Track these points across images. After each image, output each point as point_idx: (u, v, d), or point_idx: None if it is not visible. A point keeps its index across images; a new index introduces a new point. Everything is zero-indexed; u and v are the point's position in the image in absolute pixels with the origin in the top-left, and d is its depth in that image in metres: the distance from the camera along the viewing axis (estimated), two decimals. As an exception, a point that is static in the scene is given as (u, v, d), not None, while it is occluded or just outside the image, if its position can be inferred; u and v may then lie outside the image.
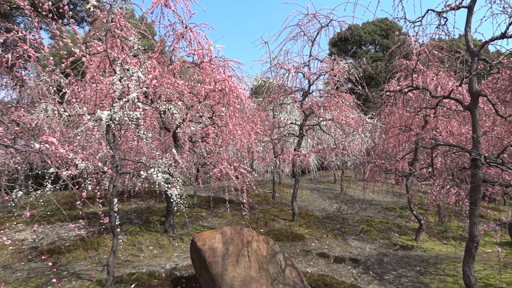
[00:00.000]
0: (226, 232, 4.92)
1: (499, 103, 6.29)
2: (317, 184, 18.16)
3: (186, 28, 7.77)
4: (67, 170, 4.13)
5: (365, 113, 14.57)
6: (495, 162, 3.89)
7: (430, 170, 6.06)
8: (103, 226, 8.08)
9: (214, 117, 7.04)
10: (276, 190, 13.96)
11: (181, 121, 7.11)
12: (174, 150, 5.50)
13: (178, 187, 4.94)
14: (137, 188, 5.25)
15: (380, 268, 7.19)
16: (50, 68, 5.17)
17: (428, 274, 6.87)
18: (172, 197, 4.74)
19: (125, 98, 4.38)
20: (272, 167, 12.52)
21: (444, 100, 8.02)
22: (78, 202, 3.82)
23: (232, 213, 10.32)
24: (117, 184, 4.87)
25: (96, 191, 8.76)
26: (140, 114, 4.56)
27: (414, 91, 8.84)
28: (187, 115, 6.52)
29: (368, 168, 9.46)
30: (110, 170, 4.27)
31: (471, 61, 4.07)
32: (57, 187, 4.26)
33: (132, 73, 4.54)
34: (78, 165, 4.26)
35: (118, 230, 4.71)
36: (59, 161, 3.68)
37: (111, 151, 4.95)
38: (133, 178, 5.05)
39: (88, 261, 6.40)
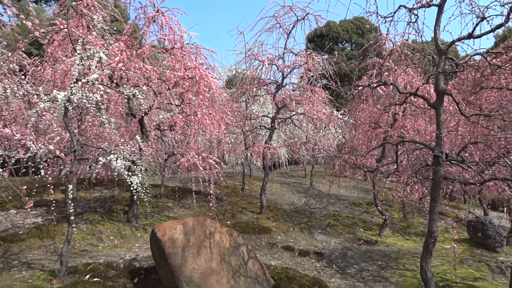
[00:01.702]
0: (188, 223, 4.79)
1: (464, 104, 6.46)
2: (288, 178, 18.25)
3: (157, 12, 7.48)
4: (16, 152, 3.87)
5: (338, 109, 14.69)
6: (455, 160, 3.96)
7: (395, 166, 6.15)
8: (62, 214, 7.73)
9: (182, 105, 6.82)
10: (246, 182, 13.88)
11: (148, 108, 6.87)
12: (138, 137, 5.27)
13: (139, 175, 4.75)
14: (95, 175, 4.99)
15: (343, 262, 7.27)
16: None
17: (389, 268, 7.01)
18: (133, 185, 4.55)
19: (84, 79, 4.13)
20: (243, 159, 12.41)
21: (412, 98, 8.17)
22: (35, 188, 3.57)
23: (200, 204, 10.17)
24: (74, 170, 4.62)
25: (57, 177, 8.39)
26: (100, 97, 4.32)
27: (384, 89, 8.98)
28: (154, 101, 6.28)
29: (337, 163, 9.55)
30: (62, 154, 4.02)
31: (438, 60, 4.11)
32: (6, 170, 3.97)
33: (94, 53, 4.28)
34: (31, 148, 3.99)
35: (73, 218, 4.47)
36: (5, 143, 3.42)
37: (69, 135, 4.69)
38: (92, 165, 4.80)
39: (42, 250, 6.09)
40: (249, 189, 13.86)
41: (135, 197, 7.43)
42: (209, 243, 4.81)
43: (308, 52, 9.86)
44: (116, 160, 4.34)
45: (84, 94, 4.22)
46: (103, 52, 4.45)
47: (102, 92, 4.30)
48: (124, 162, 4.42)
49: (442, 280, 6.45)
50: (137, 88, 4.87)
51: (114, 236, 7.14)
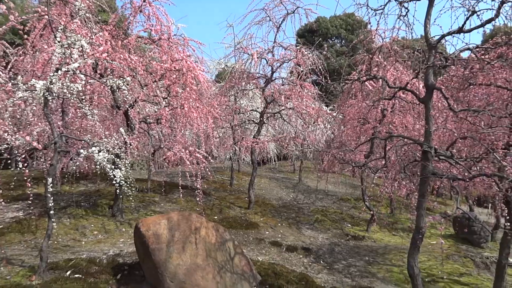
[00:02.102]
0: (173, 217, 4.67)
1: (452, 101, 6.45)
2: (276, 173, 18.21)
3: (144, 1, 7.29)
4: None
5: (327, 105, 14.67)
6: (444, 155, 3.93)
7: (383, 162, 6.12)
8: (45, 208, 7.52)
9: (169, 98, 6.67)
10: (235, 177, 13.79)
11: (134, 100, 6.70)
12: (122, 130, 5.12)
13: (123, 168, 4.61)
14: (77, 168, 4.85)
15: (331, 258, 7.25)
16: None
17: (376, 264, 7.02)
18: (116, 178, 4.41)
19: (65, 68, 3.96)
20: (232, 154, 12.30)
21: (401, 94, 8.16)
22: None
23: (187, 199, 10.03)
24: (54, 163, 4.46)
25: (41, 170, 8.14)
26: (83, 87, 4.16)
27: (374, 84, 8.95)
28: (140, 94, 6.12)
29: (326, 158, 9.51)
30: (40, 145, 3.86)
31: (428, 53, 4.06)
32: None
33: (75, 41, 4.11)
34: (8, 140, 3.83)
35: (52, 212, 4.32)
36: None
37: (49, 126, 4.52)
38: (73, 157, 4.64)
39: (23, 245, 5.91)
40: (238, 184, 13.77)
41: (119, 191, 7.28)
42: (195, 239, 4.71)
43: (297, 46, 9.77)
44: (99, 152, 4.19)
45: (64, 84, 4.05)
46: (85, 40, 4.27)
47: (83, 82, 4.14)
48: (107, 155, 4.28)
49: (428, 275, 6.48)
50: (122, 79, 4.71)
51: (98, 231, 6.98)
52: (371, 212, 9.48)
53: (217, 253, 4.90)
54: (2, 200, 4.41)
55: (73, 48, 4.22)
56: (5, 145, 3.76)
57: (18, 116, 5.12)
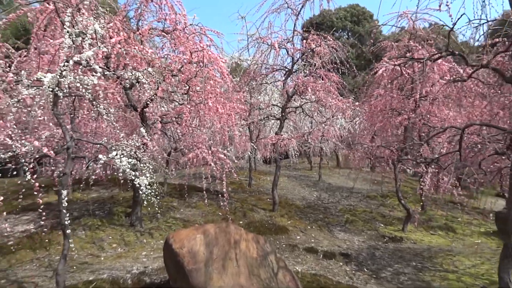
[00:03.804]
0: (209, 230, 3.99)
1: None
2: (293, 171, 17.46)
3: (156, -12, 6.61)
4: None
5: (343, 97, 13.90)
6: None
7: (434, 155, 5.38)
8: (57, 219, 6.89)
9: (190, 93, 5.97)
10: (253, 177, 13.09)
11: (150, 97, 6.01)
12: (142, 129, 4.45)
13: (148, 175, 3.93)
14: (94, 176, 4.25)
15: (374, 264, 6.53)
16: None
17: (426, 270, 6.28)
18: (141, 188, 3.73)
19: (76, 57, 3.28)
20: (249, 153, 11.61)
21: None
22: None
23: (208, 202, 9.33)
24: (68, 171, 3.79)
25: (50, 177, 7.51)
26: (97, 80, 3.47)
27: (408, 71, 8.16)
28: (157, 89, 5.43)
29: (357, 154, 8.79)
30: (52, 152, 3.19)
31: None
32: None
33: (87, 25, 3.43)
34: (13, 146, 3.16)
35: (69, 231, 3.65)
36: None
37: (60, 129, 3.85)
38: (90, 164, 3.97)
39: (35, 264, 5.27)
40: (256, 184, 13.07)
41: (139, 198, 6.61)
42: (235, 254, 4.02)
43: (317, 34, 9.02)
44: (120, 158, 3.51)
45: (76, 78, 3.37)
46: (98, 24, 3.59)
47: (98, 75, 3.46)
48: (130, 160, 3.60)
49: (491, 283, 5.74)
50: (141, 71, 4.03)
51: (117, 243, 6.32)
52: (408, 211, 8.74)
53: (260, 269, 4.21)
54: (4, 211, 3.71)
55: (85, 35, 3.53)
56: (9, 153, 3.08)
57: (23, 118, 4.46)
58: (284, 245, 7.10)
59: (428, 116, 7.94)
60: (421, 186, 7.56)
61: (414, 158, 5.67)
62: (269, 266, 4.38)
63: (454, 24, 3.49)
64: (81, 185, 6.16)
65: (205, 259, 3.73)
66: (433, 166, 5.32)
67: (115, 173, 10.30)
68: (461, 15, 3.38)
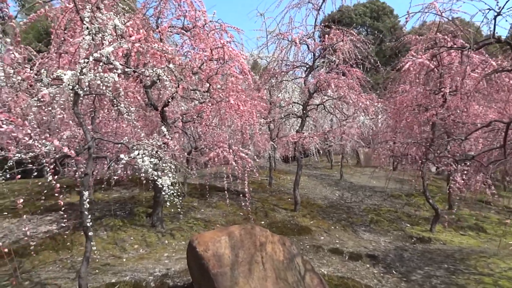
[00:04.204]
0: (234, 232, 3.82)
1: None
2: (313, 170, 17.19)
3: (174, -15, 6.51)
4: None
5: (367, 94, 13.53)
6: None
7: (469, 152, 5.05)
8: (80, 220, 6.88)
9: (212, 91, 5.83)
10: (272, 176, 12.90)
11: (171, 96, 5.91)
12: (164, 128, 4.33)
13: (170, 175, 3.80)
14: (115, 177, 4.17)
15: (403, 266, 6.25)
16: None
17: (460, 273, 5.95)
18: (164, 188, 3.60)
19: (97, 53, 3.17)
20: (270, 151, 11.42)
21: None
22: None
23: (228, 202, 9.21)
24: (89, 171, 3.70)
25: (72, 178, 7.53)
26: (119, 77, 3.36)
27: (435, 63, 7.80)
28: (178, 87, 5.30)
29: (383, 152, 8.47)
30: (73, 152, 3.08)
31: None
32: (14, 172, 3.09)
33: (107, 20, 3.32)
34: (33, 146, 3.07)
35: (91, 234, 3.55)
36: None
37: (81, 128, 3.76)
38: (111, 164, 3.87)
39: (58, 265, 5.23)
40: (276, 183, 12.88)
41: (163, 198, 6.52)
42: (261, 257, 3.85)
43: (339, 29, 8.75)
44: (143, 157, 3.39)
45: (97, 75, 3.26)
46: (118, 19, 3.47)
47: (119, 71, 3.34)
48: (153, 159, 3.47)
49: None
50: (163, 68, 3.90)
51: (138, 244, 6.25)
52: (436, 210, 8.38)
53: (287, 272, 4.02)
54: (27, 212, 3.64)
55: (105, 32, 3.41)
56: (30, 153, 3.00)
57: (44, 118, 4.41)
58: (308, 246, 6.89)
59: (459, 111, 7.56)
60: (452, 185, 7.21)
61: (451, 155, 5.34)
62: (296, 269, 4.20)
63: (501, 8, 3.21)
64: (103, 186, 6.11)
65: (231, 263, 3.57)
66: (468, 164, 5.00)
67: (136, 173, 10.32)
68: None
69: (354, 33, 8.51)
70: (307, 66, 9.23)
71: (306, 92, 9.15)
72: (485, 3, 3.30)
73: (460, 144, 7.08)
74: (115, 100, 3.70)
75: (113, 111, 5.97)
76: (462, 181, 6.64)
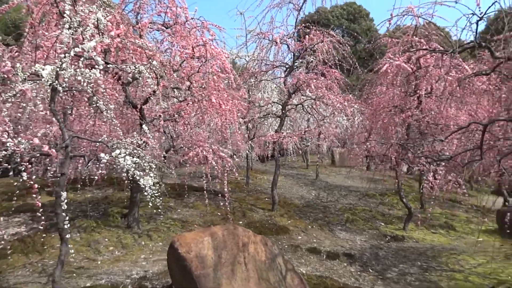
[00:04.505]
0: (217, 233, 3.78)
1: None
2: (290, 170, 17.30)
3: (154, -20, 6.36)
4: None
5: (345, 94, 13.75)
6: None
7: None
8: (51, 222, 6.60)
9: (193, 89, 5.74)
10: (249, 176, 12.88)
11: (151, 94, 5.77)
12: (144, 127, 4.22)
13: (152, 174, 3.71)
14: (97, 177, 4.01)
15: (379, 264, 6.39)
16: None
17: (432, 270, 6.16)
18: (146, 188, 3.50)
19: (78, 47, 3.04)
20: (247, 151, 11.39)
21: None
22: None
23: (205, 202, 9.11)
24: (66, 171, 3.55)
25: (41, 177, 7.21)
26: (99, 73, 3.24)
27: (412, 66, 8.02)
28: (159, 84, 5.19)
29: (360, 152, 8.63)
30: (53, 150, 2.95)
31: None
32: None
33: (88, 13, 3.19)
34: (8, 144, 2.91)
35: (68, 236, 3.41)
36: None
37: (58, 126, 3.61)
38: (89, 163, 3.73)
39: (28, 269, 5.00)
40: (253, 183, 12.88)
41: (137, 198, 6.37)
42: (244, 258, 3.83)
43: (320, 31, 8.85)
44: (124, 156, 3.28)
45: (78, 70, 3.13)
46: (101, 13, 3.35)
47: (101, 67, 3.22)
48: (135, 159, 3.37)
49: (499, 282, 5.63)
50: (145, 64, 3.80)
51: (114, 246, 6.07)
52: (410, 209, 8.64)
53: (269, 273, 4.02)
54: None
55: (86, 26, 3.28)
56: (3, 152, 2.84)
57: (16, 115, 4.20)
58: (286, 246, 6.93)
59: (433, 113, 7.82)
60: (424, 185, 7.44)
61: (429, 155, 5.50)
62: (278, 269, 4.20)
63: (483, 14, 3.33)
64: (78, 185, 5.90)
65: (214, 264, 3.52)
66: (443, 164, 5.17)
67: (112, 173, 10.00)
68: (493, 3, 3.23)
69: (334, 34, 8.61)
70: (287, 66, 9.27)
71: (285, 92, 9.19)
72: (469, 8, 3.43)
73: (433, 145, 7.32)
74: (94, 97, 3.56)
75: (87, 108, 5.76)
76: (437, 181, 6.88)
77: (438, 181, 6.96)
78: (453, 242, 8.30)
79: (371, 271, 6.10)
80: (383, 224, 9.29)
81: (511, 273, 5.92)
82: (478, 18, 3.45)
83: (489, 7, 3.29)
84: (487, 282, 5.59)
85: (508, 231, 8.60)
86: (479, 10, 3.39)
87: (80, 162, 5.73)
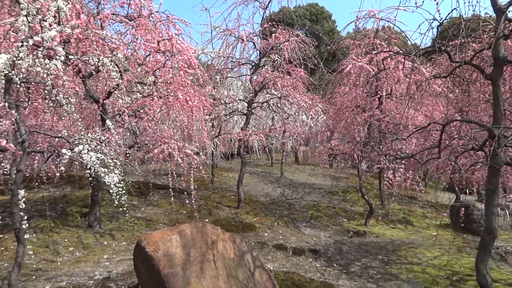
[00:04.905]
0: (186, 231, 3.71)
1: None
2: (255, 167, 17.37)
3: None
4: None
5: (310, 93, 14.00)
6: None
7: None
8: (3, 222, 6.20)
9: (158, 85, 5.59)
10: (214, 173, 12.79)
11: (114, 88, 5.56)
12: (108, 122, 4.05)
13: (117, 172, 3.57)
14: (58, 174, 3.78)
15: (343, 259, 6.58)
16: None
17: (393, 263, 6.43)
18: (111, 186, 3.37)
19: (37, 36, 2.85)
20: (212, 148, 11.29)
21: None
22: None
23: (170, 200, 8.94)
24: (23, 167, 3.33)
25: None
26: (61, 64, 3.07)
27: (374, 67, 8.32)
28: (122, 78, 5.00)
29: (324, 150, 8.82)
30: (12, 146, 2.76)
31: (496, 21, 3.41)
32: None
33: (49, 0, 3.01)
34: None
35: (27, 236, 3.21)
36: None
37: (13, 119, 3.38)
38: (48, 160, 3.53)
39: (-22, 273, 4.65)
40: (219, 180, 12.80)
41: (99, 197, 6.12)
42: (213, 255, 3.79)
43: (286, 30, 8.95)
44: (88, 152, 3.13)
45: (37, 61, 2.94)
46: (62, 1, 3.17)
47: (62, 58, 3.05)
48: (100, 155, 3.23)
49: (453, 273, 5.98)
50: (108, 57, 3.64)
51: (74, 246, 5.79)
52: (371, 206, 8.96)
53: (238, 270, 4.01)
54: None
55: (46, 13, 3.10)
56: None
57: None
58: (253, 243, 6.94)
59: (393, 113, 8.15)
60: (386, 181, 7.75)
61: (391, 153, 5.72)
62: (246, 266, 4.20)
63: (443, 20, 3.52)
64: (35, 184, 5.57)
65: (182, 262, 3.45)
66: (403, 162, 5.41)
67: (73, 170, 9.54)
68: (452, 10, 3.42)
69: (300, 34, 8.74)
70: (253, 64, 9.28)
71: (251, 89, 9.20)
72: (429, 13, 3.61)
73: (393, 144, 7.64)
74: (54, 90, 3.37)
75: (44, 101, 5.44)
76: (398, 178, 7.19)
77: (397, 178, 7.29)
78: (411, 236, 8.71)
79: (335, 265, 6.26)
80: (346, 220, 9.55)
81: (463, 264, 6.31)
82: (439, 23, 3.64)
83: (449, 13, 3.48)
84: (442, 274, 5.92)
85: (461, 225, 9.27)
86: (439, 16, 3.60)
87: (36, 159, 5.39)
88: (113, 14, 6.24)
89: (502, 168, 5.87)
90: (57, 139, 4.08)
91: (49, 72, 2.95)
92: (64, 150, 3.12)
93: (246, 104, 9.74)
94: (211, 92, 9.66)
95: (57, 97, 3.61)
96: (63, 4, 3.16)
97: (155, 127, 7.12)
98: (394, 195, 11.31)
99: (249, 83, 9.37)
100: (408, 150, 6.29)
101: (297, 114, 11.56)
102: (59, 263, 5.15)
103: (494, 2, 3.45)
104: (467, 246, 7.42)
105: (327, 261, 6.46)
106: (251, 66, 9.48)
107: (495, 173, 3.50)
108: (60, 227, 6.47)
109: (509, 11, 3.37)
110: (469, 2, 3.46)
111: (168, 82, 5.51)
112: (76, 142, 3.51)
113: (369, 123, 8.85)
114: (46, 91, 4.17)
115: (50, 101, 3.92)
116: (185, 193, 7.28)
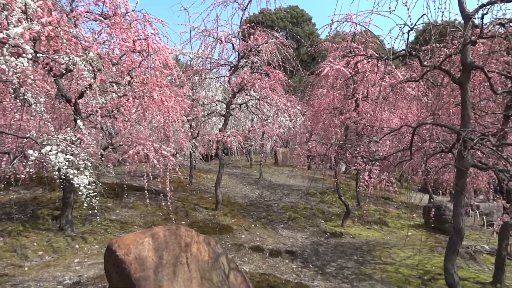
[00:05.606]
0: (158, 233, 3.64)
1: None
2: (234, 169, 17.32)
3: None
4: None
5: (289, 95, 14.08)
6: (493, 145, 3.41)
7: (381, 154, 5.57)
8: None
9: (133, 85, 5.50)
10: (192, 175, 12.67)
11: (87, 87, 5.43)
12: (79, 122, 3.95)
13: (87, 173, 3.48)
14: (24, 176, 3.63)
15: (319, 260, 6.64)
16: None
17: (367, 263, 6.53)
18: (80, 188, 3.28)
19: (1, 33, 2.75)
20: (191, 150, 11.19)
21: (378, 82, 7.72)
22: None
23: (145, 202, 8.79)
24: (-13, 169, 3.20)
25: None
26: (28, 63, 2.96)
27: (350, 70, 8.45)
28: (95, 78, 4.89)
29: (301, 152, 8.89)
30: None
31: (464, 27, 3.52)
32: None
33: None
34: None
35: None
36: None
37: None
38: (15, 161, 3.40)
39: None
40: (197, 182, 12.70)
41: (71, 199, 5.96)
42: (186, 258, 3.74)
43: (265, 32, 8.97)
44: (56, 154, 3.03)
45: (2, 58, 2.83)
46: (30, -3, 3.06)
47: (30, 56, 2.95)
48: (68, 156, 3.14)
49: (424, 272, 6.12)
50: (82, 55, 3.55)
51: (44, 250, 5.60)
52: (347, 207, 9.09)
53: (212, 272, 3.98)
54: None
55: (13, 8, 2.99)
56: None
57: None
58: (230, 245, 6.92)
59: (369, 115, 8.29)
60: (361, 183, 7.87)
61: (366, 155, 5.81)
62: (221, 268, 4.17)
63: (413, 25, 3.61)
64: (2, 185, 5.36)
65: (155, 265, 3.39)
66: (378, 164, 5.52)
67: (44, 172, 9.24)
68: (422, 15, 3.51)
69: (278, 36, 8.78)
70: (232, 65, 9.26)
71: (230, 91, 9.17)
72: (401, 18, 3.71)
73: (369, 145, 7.78)
74: (22, 89, 3.26)
75: (12, 101, 5.25)
76: (373, 180, 7.31)
77: (372, 179, 7.42)
78: (386, 237, 8.88)
79: (311, 266, 6.31)
80: (323, 221, 9.65)
81: (435, 264, 6.48)
82: (409, 29, 3.74)
83: (419, 19, 3.58)
84: (414, 273, 6.06)
85: (432, 225, 9.53)
86: (410, 21, 3.69)
87: (4, 160, 5.20)
88: (87, 12, 6.08)
89: (472, 170, 6.10)
90: (25, 139, 3.94)
91: (15, 70, 2.85)
92: (30, 151, 3.01)
93: (224, 106, 9.70)
94: (189, 92, 9.58)
95: (25, 96, 3.49)
96: (30, 0, 3.06)
97: (130, 128, 7.01)
98: (370, 196, 11.58)
99: (228, 84, 9.34)
100: (382, 152, 6.41)
101: (276, 115, 11.63)
102: (26, 268, 4.97)
103: (462, 9, 3.57)
104: (439, 246, 7.63)
105: (304, 262, 6.50)
106: (229, 67, 9.46)
107: (462, 174, 3.62)
108: (30, 231, 6.25)
109: (475, 18, 3.50)
110: (438, 8, 3.57)
111: (144, 82, 5.42)
112: (45, 143, 3.39)
113: (346, 125, 8.97)
114: (13, 90, 4.04)
115: (18, 100, 3.78)
116: (162, 195, 7.18)
